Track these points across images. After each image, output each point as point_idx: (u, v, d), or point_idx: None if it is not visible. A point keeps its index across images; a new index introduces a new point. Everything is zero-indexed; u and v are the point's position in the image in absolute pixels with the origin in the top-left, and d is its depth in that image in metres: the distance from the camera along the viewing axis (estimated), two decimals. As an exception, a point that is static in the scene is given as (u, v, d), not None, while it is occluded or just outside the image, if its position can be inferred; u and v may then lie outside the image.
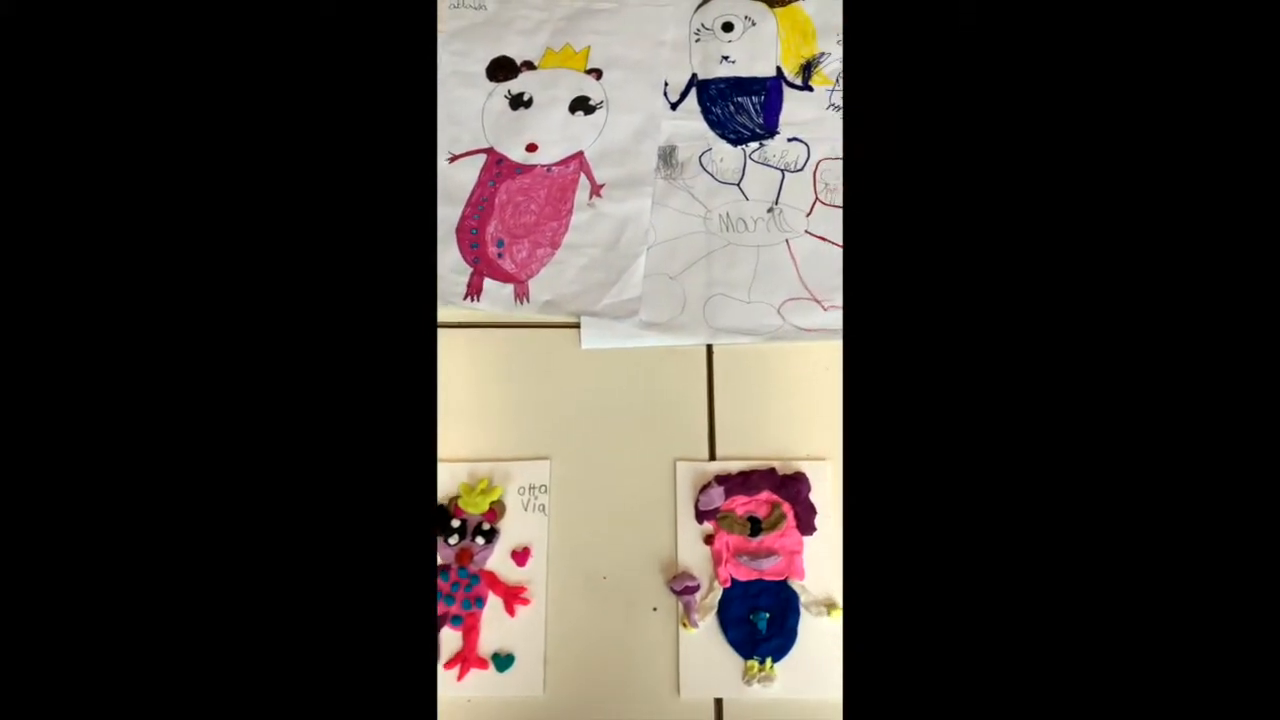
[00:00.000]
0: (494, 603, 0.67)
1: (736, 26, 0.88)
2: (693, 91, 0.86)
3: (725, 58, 0.87)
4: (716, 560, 0.67)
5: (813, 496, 0.68)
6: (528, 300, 0.77)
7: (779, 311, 0.76)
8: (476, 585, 0.67)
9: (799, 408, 0.73)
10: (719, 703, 0.63)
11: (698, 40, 0.88)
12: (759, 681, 0.63)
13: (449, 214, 0.81)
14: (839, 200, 0.80)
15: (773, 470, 0.69)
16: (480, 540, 0.68)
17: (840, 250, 0.78)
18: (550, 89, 0.85)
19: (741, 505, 0.68)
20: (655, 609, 0.66)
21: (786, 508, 0.68)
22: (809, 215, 0.80)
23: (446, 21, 0.88)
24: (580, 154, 0.83)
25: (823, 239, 0.79)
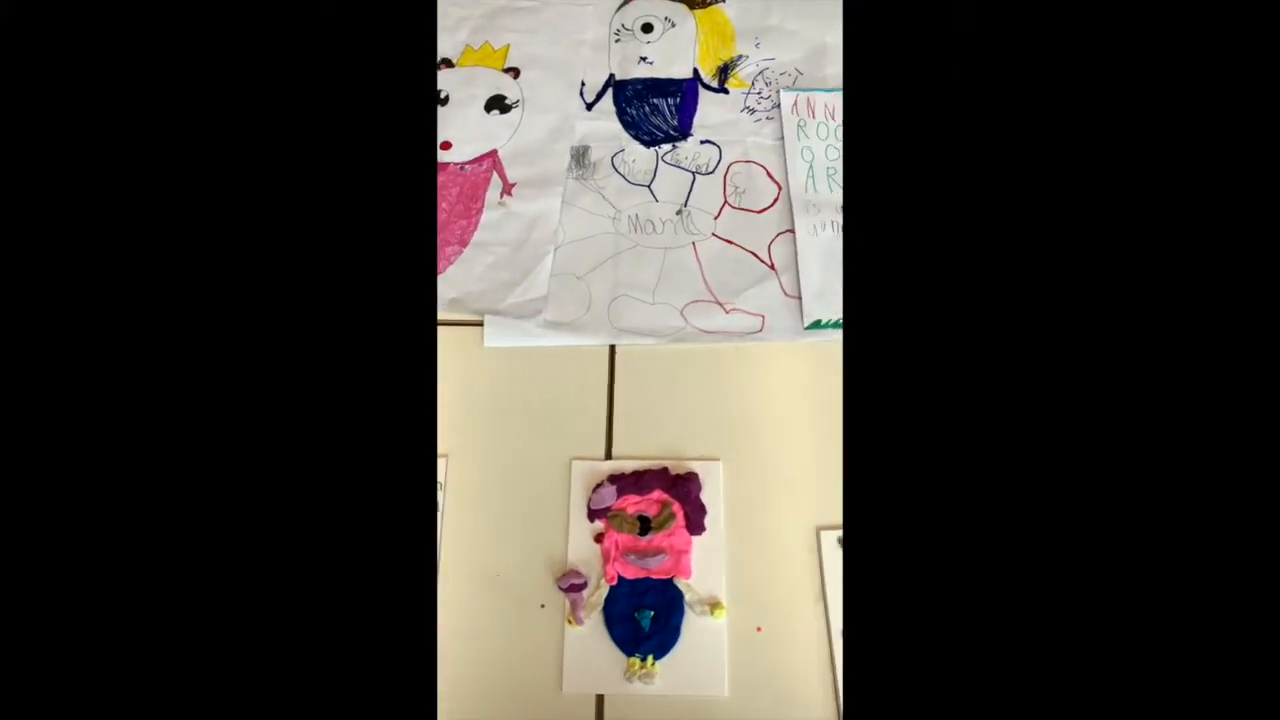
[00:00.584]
0: (386, 598, 0.67)
1: (656, 28, 0.89)
2: (609, 92, 0.86)
3: (643, 58, 0.87)
4: (605, 558, 0.68)
5: (703, 496, 0.69)
6: (434, 298, 0.78)
7: (682, 313, 0.77)
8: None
9: (696, 409, 0.74)
10: (600, 699, 0.64)
11: (617, 40, 0.88)
12: (640, 678, 0.64)
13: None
14: (747, 203, 0.81)
15: (665, 470, 0.70)
16: (375, 536, 0.69)
17: (744, 253, 0.79)
18: (467, 87, 0.86)
19: (633, 504, 0.69)
20: (543, 606, 0.67)
21: (677, 507, 0.69)
22: (717, 218, 0.81)
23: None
24: (494, 153, 0.83)
25: (729, 242, 0.79)
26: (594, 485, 0.70)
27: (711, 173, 0.82)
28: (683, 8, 0.89)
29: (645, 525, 0.69)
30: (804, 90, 0.84)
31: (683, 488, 0.69)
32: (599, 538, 0.69)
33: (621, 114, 0.85)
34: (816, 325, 0.76)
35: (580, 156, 0.83)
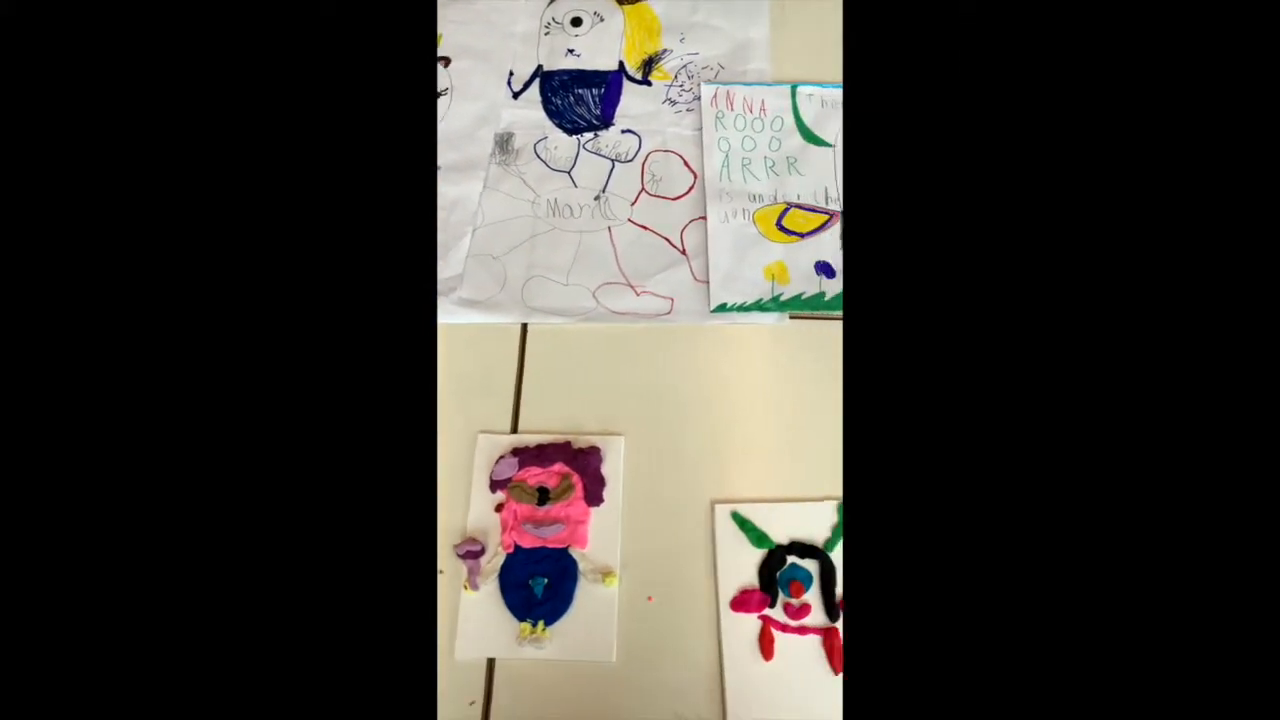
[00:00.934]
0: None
1: (585, 21, 0.91)
2: (536, 82, 0.89)
3: (571, 51, 0.90)
4: (503, 527, 0.69)
5: (603, 469, 0.71)
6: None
7: (594, 295, 0.79)
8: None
9: (603, 386, 0.75)
10: (491, 663, 0.66)
11: (547, 33, 0.91)
12: (530, 643, 0.65)
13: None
14: (663, 191, 0.83)
15: (568, 444, 0.72)
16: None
17: (658, 238, 0.81)
18: (398, 74, 0.88)
19: (534, 476, 0.71)
20: (442, 572, 0.68)
21: (576, 479, 0.71)
22: (634, 204, 0.83)
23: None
24: (420, 137, 0.85)
25: (644, 227, 0.82)
26: (497, 458, 0.72)
27: (630, 161, 0.85)
28: (612, 3, 0.92)
29: (544, 496, 0.70)
30: (724, 84, 0.87)
31: (583, 461, 0.71)
32: (499, 508, 0.70)
33: (547, 103, 0.87)
34: (722, 308, 0.78)
35: (504, 143, 0.85)
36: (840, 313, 0.78)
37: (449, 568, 0.68)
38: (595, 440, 0.72)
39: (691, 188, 0.83)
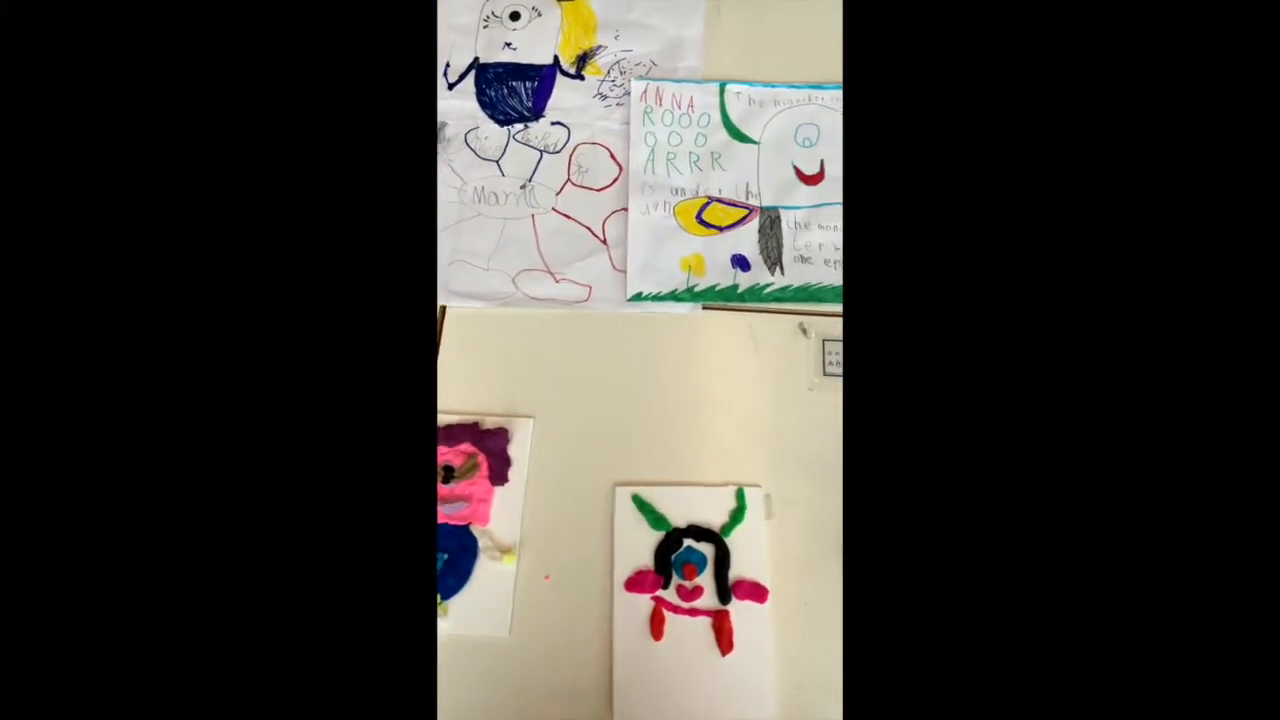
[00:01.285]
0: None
1: (523, 16, 0.93)
2: (471, 74, 0.90)
3: (508, 44, 0.91)
4: (408, 503, 0.71)
5: (510, 450, 0.72)
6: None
7: (514, 280, 0.80)
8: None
9: (517, 370, 0.77)
10: (386, 634, 0.67)
11: (485, 26, 0.92)
12: (426, 616, 0.67)
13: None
14: (588, 182, 0.85)
15: (475, 424, 0.73)
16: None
17: (580, 227, 0.83)
18: (336, 62, 0.89)
19: (441, 455, 0.72)
20: (345, 546, 0.69)
21: (482, 459, 0.72)
22: (559, 194, 0.84)
23: None
24: (354, 124, 0.87)
25: (568, 217, 0.83)
26: (407, 435, 0.73)
27: (559, 152, 0.86)
28: (551, -1, 0.94)
29: (449, 474, 0.71)
30: (655, 80, 0.88)
31: (490, 441, 0.72)
32: (405, 484, 0.72)
33: (480, 94, 0.89)
34: (638, 297, 0.79)
35: (436, 132, 0.86)
36: (750, 304, 0.79)
37: (352, 542, 0.70)
38: (504, 421, 0.74)
39: (616, 179, 0.85)
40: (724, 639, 0.66)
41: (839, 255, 0.81)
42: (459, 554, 0.69)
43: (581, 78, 0.90)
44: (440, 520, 0.70)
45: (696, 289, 0.80)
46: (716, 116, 0.87)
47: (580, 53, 0.91)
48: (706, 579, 0.69)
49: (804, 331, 0.78)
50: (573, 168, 0.85)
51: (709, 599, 0.68)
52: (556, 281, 0.80)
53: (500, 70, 0.90)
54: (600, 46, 0.91)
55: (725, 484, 0.72)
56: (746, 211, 0.83)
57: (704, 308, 0.80)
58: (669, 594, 0.68)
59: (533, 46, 0.91)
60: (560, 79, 0.90)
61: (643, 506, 0.71)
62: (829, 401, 0.75)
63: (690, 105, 0.87)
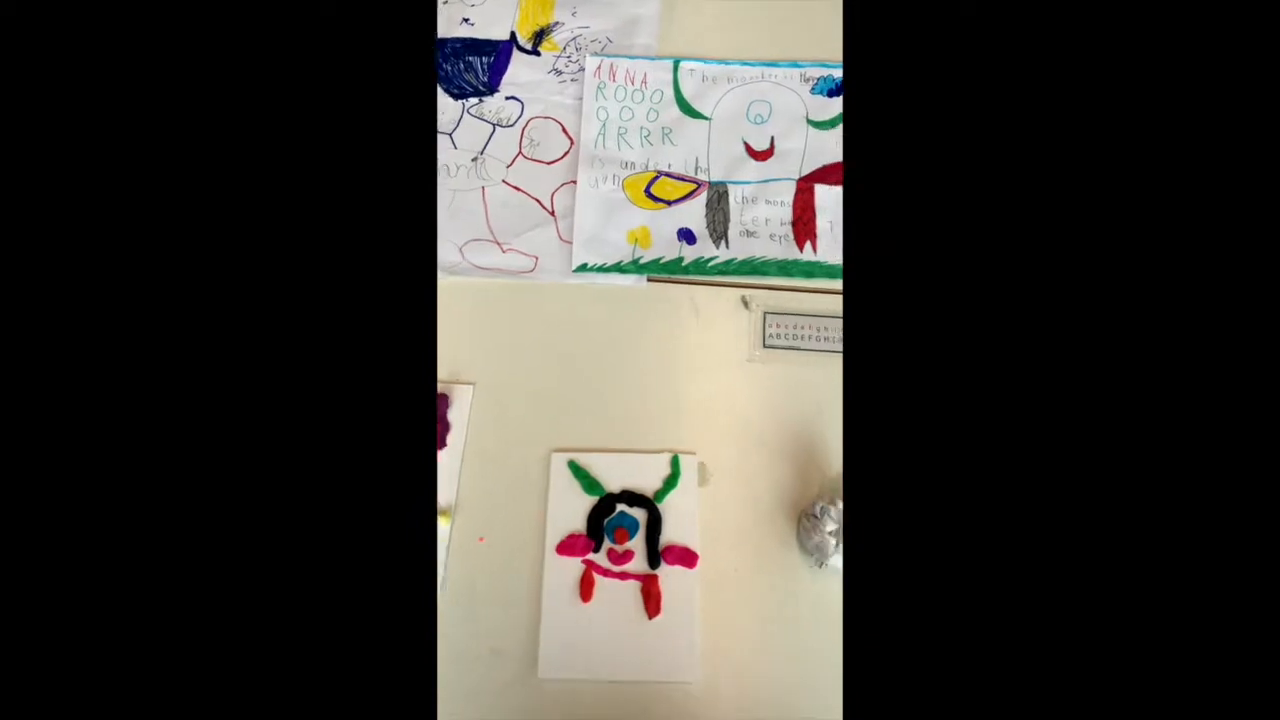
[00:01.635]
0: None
1: (483, -8, 0.94)
2: (429, 48, 0.91)
3: (466, 20, 0.92)
4: (345, 466, 0.71)
5: (450, 415, 0.73)
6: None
7: (460, 250, 0.81)
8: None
9: (462, 338, 0.77)
10: (319, 593, 0.68)
11: (445, 2, 0.93)
12: (358, 576, 0.67)
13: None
14: (539, 155, 0.85)
15: (416, 389, 0.74)
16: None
17: (529, 199, 0.83)
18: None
19: (380, 419, 0.73)
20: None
21: (421, 423, 0.73)
22: (510, 166, 0.85)
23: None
24: (310, 95, 0.87)
25: (517, 189, 0.84)
26: (348, 400, 0.74)
27: (511, 126, 0.87)
28: (510, -25, 0.95)
29: (387, 437, 0.72)
30: (610, 56, 0.89)
31: (430, 406, 0.73)
32: (344, 447, 0.72)
33: (437, 68, 0.90)
34: (583, 268, 0.80)
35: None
36: (694, 276, 0.80)
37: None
38: (444, 388, 0.74)
39: (567, 153, 0.85)
40: (652, 602, 0.67)
41: (785, 230, 0.82)
42: (393, 515, 0.70)
43: (538, 53, 0.91)
44: (377, 482, 0.71)
45: (641, 261, 0.80)
46: (669, 93, 0.88)
47: (537, 29, 0.92)
48: (638, 543, 0.69)
49: (746, 304, 0.79)
50: (525, 141, 0.86)
51: (639, 563, 0.69)
52: (504, 251, 0.81)
53: (458, 45, 0.91)
54: (557, 23, 0.92)
55: (661, 451, 0.72)
56: (695, 186, 0.84)
57: (649, 280, 0.80)
58: (599, 557, 0.69)
59: (490, 22, 0.92)
60: (516, 55, 0.91)
61: (578, 472, 0.71)
62: (767, 373, 0.76)
63: (644, 81, 0.88)
